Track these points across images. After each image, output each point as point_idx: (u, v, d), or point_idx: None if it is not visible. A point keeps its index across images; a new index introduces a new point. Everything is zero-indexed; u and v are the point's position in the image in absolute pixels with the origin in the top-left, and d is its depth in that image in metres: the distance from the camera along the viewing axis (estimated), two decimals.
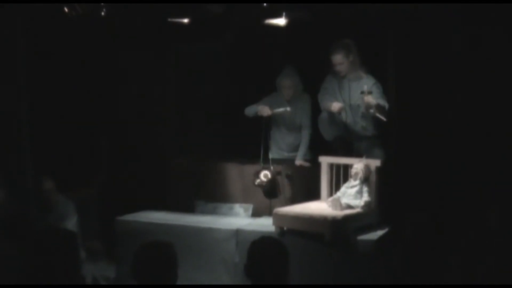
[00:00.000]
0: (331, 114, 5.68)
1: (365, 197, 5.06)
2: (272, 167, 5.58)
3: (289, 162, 5.95)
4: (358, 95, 5.47)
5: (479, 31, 5.40)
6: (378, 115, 5.38)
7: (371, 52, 5.73)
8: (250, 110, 5.98)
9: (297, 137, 6.04)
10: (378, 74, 5.63)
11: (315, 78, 5.93)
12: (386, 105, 5.45)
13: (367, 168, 5.10)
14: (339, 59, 5.58)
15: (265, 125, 5.76)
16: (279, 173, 5.60)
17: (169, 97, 6.51)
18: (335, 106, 5.57)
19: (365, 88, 5.34)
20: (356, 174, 5.10)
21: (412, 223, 4.99)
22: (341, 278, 4.80)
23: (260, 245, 3.57)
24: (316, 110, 5.93)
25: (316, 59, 5.96)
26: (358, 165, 5.11)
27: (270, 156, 5.95)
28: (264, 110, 5.84)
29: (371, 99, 5.29)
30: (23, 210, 5.54)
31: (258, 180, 5.59)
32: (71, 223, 5.76)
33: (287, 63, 6.02)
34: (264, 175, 5.57)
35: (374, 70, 5.69)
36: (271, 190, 5.63)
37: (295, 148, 6.06)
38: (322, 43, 5.78)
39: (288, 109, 5.84)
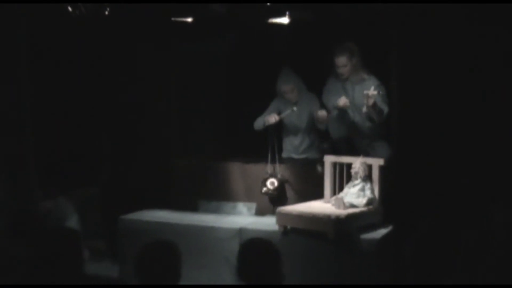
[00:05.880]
0: (342, 113, 5.69)
1: (368, 195, 5.07)
2: (279, 175, 5.57)
3: (299, 162, 5.96)
4: (362, 96, 5.47)
5: (482, 31, 5.39)
6: (370, 114, 5.40)
7: (373, 52, 5.73)
8: (258, 123, 5.94)
9: (303, 141, 6.03)
10: (380, 75, 5.64)
11: (316, 79, 5.94)
12: (385, 110, 5.46)
13: (365, 165, 5.10)
14: (343, 62, 5.59)
15: (271, 132, 5.74)
16: (286, 180, 5.60)
17: (172, 96, 6.51)
18: (341, 100, 5.55)
19: (372, 89, 5.36)
20: (356, 173, 5.11)
21: (418, 223, 4.98)
22: (344, 277, 4.80)
23: (250, 248, 3.59)
24: None
25: (318, 60, 5.96)
26: (355, 164, 5.12)
27: (283, 155, 6.00)
28: (271, 118, 5.81)
29: (371, 97, 5.30)
30: (26, 209, 5.54)
31: (264, 189, 5.59)
32: (73, 223, 5.77)
33: (283, 66, 5.99)
34: (271, 183, 5.57)
35: (377, 70, 5.69)
36: (277, 197, 5.62)
37: (303, 151, 6.05)
38: (324, 44, 5.78)
39: (295, 108, 5.82)
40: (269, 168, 5.61)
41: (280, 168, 5.66)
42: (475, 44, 5.45)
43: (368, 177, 5.13)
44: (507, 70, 5.42)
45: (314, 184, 5.52)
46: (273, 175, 5.57)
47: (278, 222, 5.03)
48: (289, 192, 5.65)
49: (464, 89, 5.54)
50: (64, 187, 5.98)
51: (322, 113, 5.73)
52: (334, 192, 5.30)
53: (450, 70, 5.54)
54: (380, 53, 5.75)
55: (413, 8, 5.36)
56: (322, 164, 5.44)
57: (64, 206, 5.91)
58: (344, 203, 4.99)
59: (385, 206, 5.18)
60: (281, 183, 5.60)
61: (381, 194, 5.14)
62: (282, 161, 5.91)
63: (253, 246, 3.60)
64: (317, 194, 5.40)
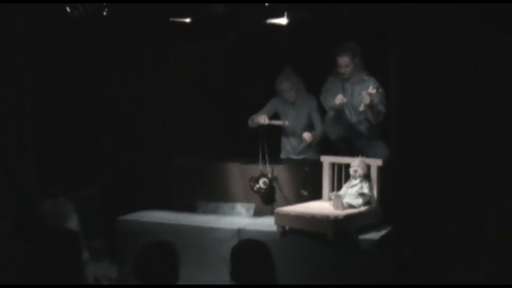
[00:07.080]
0: (337, 113, 5.70)
1: (366, 192, 5.06)
2: (270, 175, 5.58)
3: (296, 162, 5.96)
4: (360, 97, 5.49)
5: (482, 31, 5.39)
6: (368, 114, 5.42)
7: (373, 52, 5.74)
8: (252, 122, 5.98)
9: (301, 141, 6.03)
10: (379, 75, 5.64)
11: (316, 80, 5.94)
12: (383, 111, 5.48)
13: (363, 164, 5.11)
14: (346, 62, 5.61)
15: (261, 132, 5.75)
16: (275, 178, 5.60)
17: (171, 96, 6.52)
18: (337, 98, 5.56)
19: (370, 88, 5.37)
20: (355, 172, 5.11)
21: (417, 223, 4.99)
22: (343, 278, 4.81)
23: (241, 250, 3.60)
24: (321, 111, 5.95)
25: (318, 60, 5.97)
26: (355, 162, 5.12)
27: (281, 156, 6.03)
28: (260, 118, 5.82)
29: (367, 96, 5.31)
30: (26, 209, 5.55)
31: (257, 186, 5.59)
32: (72, 224, 5.77)
33: (285, 65, 6.01)
34: (263, 182, 5.58)
35: (376, 70, 5.70)
36: (269, 196, 5.63)
37: (301, 151, 6.06)
38: (324, 44, 5.79)
39: (286, 123, 5.86)
40: (261, 167, 5.60)
41: (278, 169, 5.66)
42: (475, 44, 5.45)
43: (366, 177, 5.13)
44: (507, 70, 5.43)
45: (312, 185, 5.53)
46: (264, 174, 5.58)
47: (276, 222, 5.03)
48: (287, 193, 5.65)
49: (463, 89, 5.54)
50: (64, 187, 5.98)
51: (306, 135, 5.78)
52: None
53: (450, 70, 5.54)
54: (380, 53, 5.76)
55: (413, 8, 5.36)
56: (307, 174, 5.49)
57: (64, 206, 5.90)
58: (342, 204, 4.99)
59: (384, 207, 5.19)
60: (272, 182, 5.60)
61: (380, 195, 5.15)
62: (280, 161, 5.92)
63: (245, 248, 3.61)
64: (316, 195, 5.40)
